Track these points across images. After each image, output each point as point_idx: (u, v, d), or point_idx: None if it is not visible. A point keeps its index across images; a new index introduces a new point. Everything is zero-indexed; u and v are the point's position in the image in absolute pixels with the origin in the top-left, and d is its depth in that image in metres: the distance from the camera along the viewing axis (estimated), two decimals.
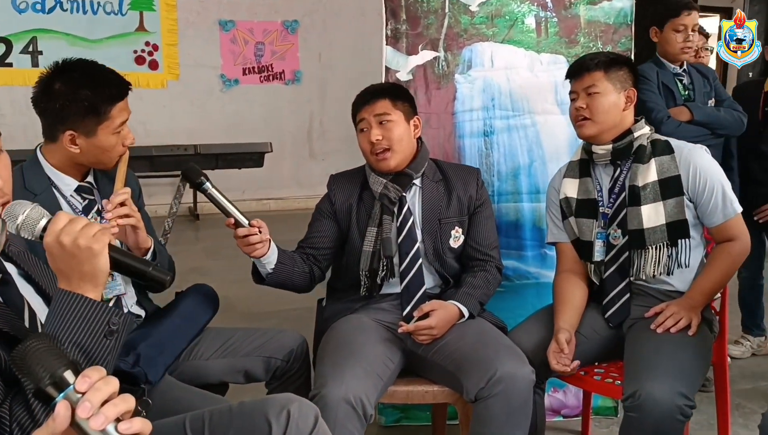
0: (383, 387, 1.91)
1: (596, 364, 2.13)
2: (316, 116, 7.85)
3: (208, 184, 1.86)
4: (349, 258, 2.15)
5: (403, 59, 2.58)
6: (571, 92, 2.13)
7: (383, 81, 2.52)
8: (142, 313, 1.92)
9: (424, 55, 2.59)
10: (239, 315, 3.89)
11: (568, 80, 2.16)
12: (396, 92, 2.14)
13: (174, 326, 1.87)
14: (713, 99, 3.01)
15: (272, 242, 1.98)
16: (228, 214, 1.87)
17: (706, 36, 3.56)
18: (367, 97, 2.11)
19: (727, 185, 2.02)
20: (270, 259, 1.99)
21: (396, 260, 2.10)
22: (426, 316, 1.98)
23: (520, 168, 2.64)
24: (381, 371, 1.90)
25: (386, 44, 2.56)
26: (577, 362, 1.96)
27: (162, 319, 1.88)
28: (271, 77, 7.61)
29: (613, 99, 2.06)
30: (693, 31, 2.91)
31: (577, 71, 2.10)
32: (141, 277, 1.22)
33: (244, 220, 1.87)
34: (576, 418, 2.70)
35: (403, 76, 2.57)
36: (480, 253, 2.16)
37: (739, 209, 2.03)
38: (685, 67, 2.98)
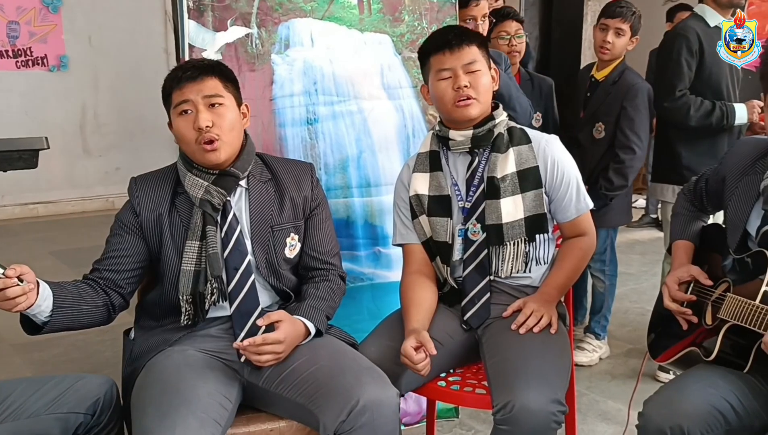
0: (222, 433, 1.56)
1: (452, 371, 1.96)
2: (90, 107, 6.99)
3: None
4: (165, 280, 1.76)
5: (209, 36, 2.19)
6: (443, 69, 1.85)
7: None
8: None
9: (235, 32, 2.23)
10: (11, 348, 3.22)
11: (436, 55, 1.85)
12: (225, 72, 1.78)
13: None
14: None
15: (41, 284, 1.54)
16: None
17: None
18: (193, 74, 1.71)
19: (580, 179, 1.94)
20: (42, 308, 1.55)
21: (223, 277, 1.75)
22: (271, 328, 1.67)
23: (348, 159, 2.39)
24: (218, 415, 1.55)
25: (188, 18, 2.16)
26: (428, 360, 1.73)
27: None
28: (30, 63, 6.62)
29: (488, 78, 1.88)
30: (482, 19, 2.84)
31: (454, 44, 1.83)
32: None
33: None
34: (418, 425, 2.54)
35: (210, 55, 2.18)
36: (320, 261, 1.88)
37: (591, 204, 1.96)
38: None
